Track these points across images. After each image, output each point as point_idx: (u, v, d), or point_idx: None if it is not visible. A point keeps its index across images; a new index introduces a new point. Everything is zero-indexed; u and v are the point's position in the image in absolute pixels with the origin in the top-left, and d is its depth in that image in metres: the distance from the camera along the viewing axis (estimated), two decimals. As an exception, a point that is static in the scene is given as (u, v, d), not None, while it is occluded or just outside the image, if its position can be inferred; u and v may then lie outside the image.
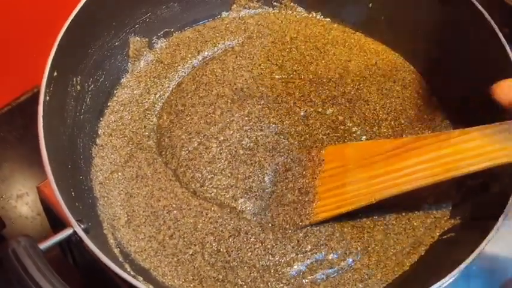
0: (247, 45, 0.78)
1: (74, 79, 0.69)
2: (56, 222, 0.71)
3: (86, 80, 0.71)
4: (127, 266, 0.64)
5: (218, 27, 0.79)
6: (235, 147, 0.71)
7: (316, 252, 0.66)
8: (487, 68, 0.69)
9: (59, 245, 0.60)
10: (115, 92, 0.75)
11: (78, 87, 0.70)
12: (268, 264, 0.65)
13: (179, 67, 0.77)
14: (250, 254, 0.66)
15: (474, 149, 0.63)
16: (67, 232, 0.59)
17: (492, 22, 0.68)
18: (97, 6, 0.70)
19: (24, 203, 0.81)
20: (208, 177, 0.69)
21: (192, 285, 0.65)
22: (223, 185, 0.69)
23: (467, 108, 0.71)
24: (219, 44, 0.78)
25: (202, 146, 0.71)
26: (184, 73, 0.76)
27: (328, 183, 0.68)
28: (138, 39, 0.76)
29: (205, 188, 0.69)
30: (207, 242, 0.67)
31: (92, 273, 0.70)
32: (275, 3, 0.81)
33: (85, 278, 0.72)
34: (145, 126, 0.73)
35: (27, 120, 0.86)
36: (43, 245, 0.57)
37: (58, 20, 0.68)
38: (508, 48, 0.67)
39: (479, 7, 0.69)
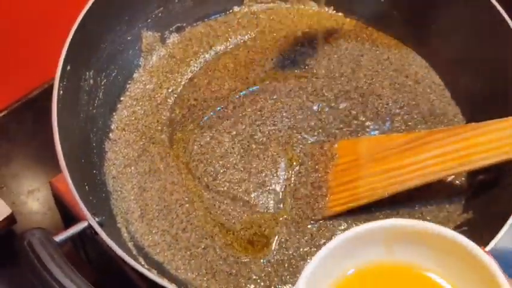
0: (260, 40, 0.78)
1: (87, 73, 0.70)
2: (69, 217, 0.71)
3: (99, 74, 0.71)
4: (141, 259, 0.64)
5: (230, 22, 0.79)
6: (248, 142, 0.71)
7: (330, 246, 0.66)
8: (500, 63, 0.69)
9: (71, 240, 0.60)
10: (127, 86, 0.75)
11: (91, 81, 0.70)
12: (282, 258, 0.65)
13: (191, 62, 0.77)
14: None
15: (487, 143, 0.63)
16: (82, 225, 0.59)
17: (509, 20, 0.68)
18: (109, 1, 0.70)
19: (35, 199, 0.81)
20: (221, 171, 0.70)
21: (205, 279, 0.65)
22: (236, 179, 0.69)
23: (480, 103, 0.71)
24: (231, 38, 0.78)
25: (215, 140, 0.71)
26: (197, 68, 0.76)
27: (340, 177, 0.68)
28: (151, 33, 0.76)
29: (217, 181, 0.69)
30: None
31: (105, 268, 0.70)
32: (287, -2, 0.81)
33: (97, 273, 0.72)
34: (158, 121, 0.73)
35: (37, 116, 0.86)
36: (58, 238, 0.57)
37: (69, 14, 0.68)
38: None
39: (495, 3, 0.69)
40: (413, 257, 0.47)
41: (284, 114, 0.73)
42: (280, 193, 0.69)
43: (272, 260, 0.65)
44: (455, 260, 0.45)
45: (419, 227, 0.46)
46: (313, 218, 0.67)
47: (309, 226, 0.67)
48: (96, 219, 0.59)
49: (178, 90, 0.75)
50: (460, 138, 0.64)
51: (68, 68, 0.66)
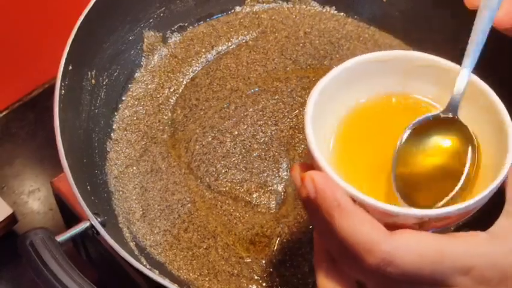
0: (261, 40, 0.78)
1: (89, 73, 0.70)
2: (69, 217, 0.71)
3: (101, 74, 0.71)
4: (143, 259, 0.64)
5: (232, 22, 0.79)
6: (250, 142, 0.71)
7: (332, 246, 0.66)
8: (502, 62, 0.69)
9: (72, 240, 0.60)
10: (129, 86, 0.75)
11: (93, 81, 0.70)
12: (284, 258, 0.65)
13: (193, 62, 0.77)
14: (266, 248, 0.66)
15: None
16: (84, 225, 0.59)
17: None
18: (112, 0, 0.70)
19: (36, 199, 0.82)
20: (223, 171, 0.69)
21: (207, 279, 0.65)
22: (238, 179, 0.69)
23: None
24: (232, 38, 0.78)
25: (216, 140, 0.71)
26: (198, 68, 0.76)
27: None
28: (152, 33, 0.76)
29: (219, 181, 0.69)
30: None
31: (106, 268, 0.70)
32: (289, -2, 0.81)
33: (98, 273, 0.72)
34: (159, 121, 0.73)
35: (39, 115, 0.86)
36: (60, 238, 0.57)
37: (71, 14, 0.68)
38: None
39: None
40: (426, 92, 0.52)
41: (286, 114, 0.73)
42: (282, 193, 0.69)
43: (274, 261, 0.65)
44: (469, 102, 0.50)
45: (434, 61, 0.51)
46: (314, 218, 0.67)
47: (311, 226, 0.67)
48: (98, 219, 0.59)
49: (180, 90, 0.75)
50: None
51: (70, 67, 0.65)
